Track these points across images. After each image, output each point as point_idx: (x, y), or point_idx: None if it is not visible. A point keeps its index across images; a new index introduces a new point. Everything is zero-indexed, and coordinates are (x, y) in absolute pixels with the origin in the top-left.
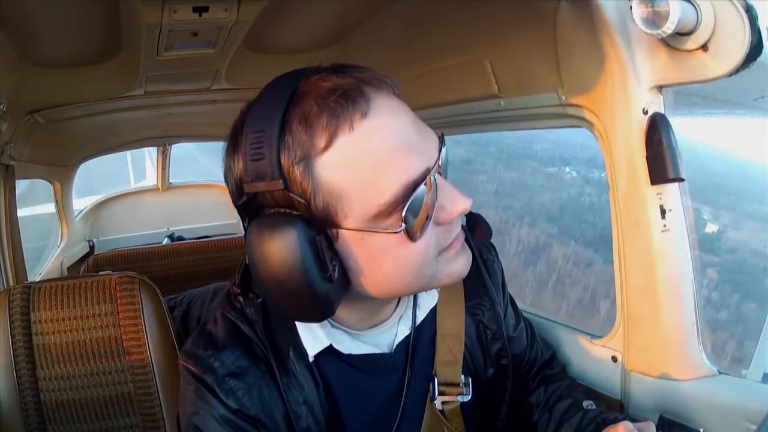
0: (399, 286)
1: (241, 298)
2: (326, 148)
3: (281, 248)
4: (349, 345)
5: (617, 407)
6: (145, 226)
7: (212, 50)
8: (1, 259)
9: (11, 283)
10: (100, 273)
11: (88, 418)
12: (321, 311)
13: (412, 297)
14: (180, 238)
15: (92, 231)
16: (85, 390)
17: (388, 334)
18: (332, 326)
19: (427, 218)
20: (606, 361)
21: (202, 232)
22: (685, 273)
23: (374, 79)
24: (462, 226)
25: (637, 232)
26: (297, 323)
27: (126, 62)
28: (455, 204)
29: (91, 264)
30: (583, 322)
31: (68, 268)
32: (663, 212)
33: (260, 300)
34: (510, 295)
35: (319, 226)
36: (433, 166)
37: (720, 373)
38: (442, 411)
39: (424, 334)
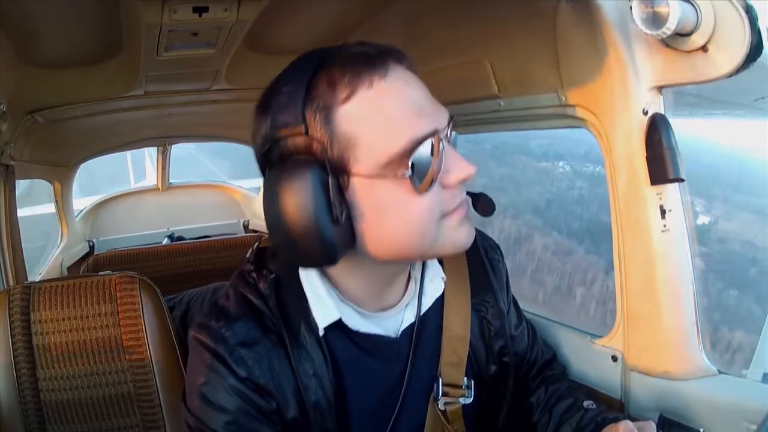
0: (401, 245)
1: (254, 274)
2: (346, 100)
3: (295, 188)
4: (358, 322)
5: (617, 407)
6: (145, 226)
7: (212, 50)
8: (1, 259)
9: (11, 283)
10: (100, 273)
11: (88, 418)
12: (325, 254)
13: (418, 285)
14: (180, 238)
15: (92, 231)
16: (85, 390)
17: (395, 320)
18: (342, 302)
19: (432, 177)
20: (606, 360)
21: (202, 232)
22: (685, 273)
23: (395, 51)
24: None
25: (637, 232)
26: (308, 295)
27: (126, 62)
28: (460, 169)
29: (91, 264)
30: (559, 307)
31: (68, 268)
32: (663, 212)
33: (273, 276)
34: (513, 296)
35: (333, 172)
36: (442, 131)
37: (720, 372)
38: (444, 412)
39: (429, 324)
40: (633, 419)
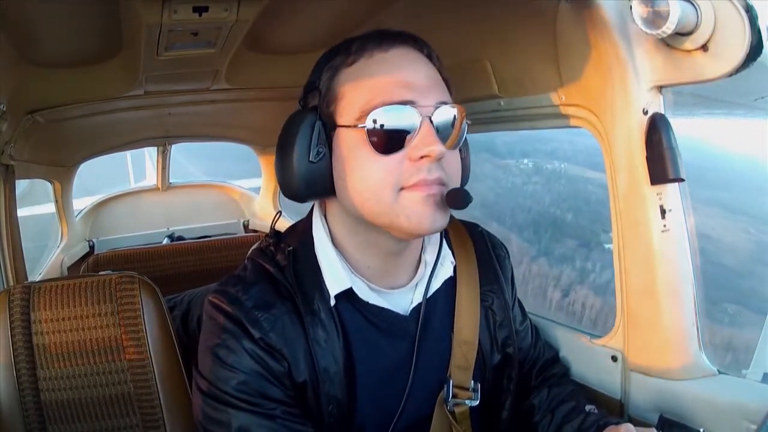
0: (360, 201)
1: (272, 248)
2: (349, 64)
3: (289, 128)
4: (368, 293)
5: (617, 407)
6: (145, 226)
7: (212, 50)
8: (1, 259)
9: (11, 283)
10: (100, 273)
11: (88, 418)
12: (296, 187)
13: (429, 269)
14: (180, 238)
15: (92, 231)
16: (85, 390)
17: (405, 298)
18: (354, 274)
19: (396, 142)
20: (606, 361)
21: (202, 232)
22: (685, 273)
23: (407, 34)
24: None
25: (637, 232)
26: (322, 266)
27: (126, 62)
28: (423, 145)
29: (91, 264)
30: None
31: (68, 268)
32: (663, 212)
33: (291, 248)
34: (517, 297)
35: (323, 119)
36: (424, 107)
37: (720, 372)
38: (452, 413)
39: (437, 308)
40: (633, 420)
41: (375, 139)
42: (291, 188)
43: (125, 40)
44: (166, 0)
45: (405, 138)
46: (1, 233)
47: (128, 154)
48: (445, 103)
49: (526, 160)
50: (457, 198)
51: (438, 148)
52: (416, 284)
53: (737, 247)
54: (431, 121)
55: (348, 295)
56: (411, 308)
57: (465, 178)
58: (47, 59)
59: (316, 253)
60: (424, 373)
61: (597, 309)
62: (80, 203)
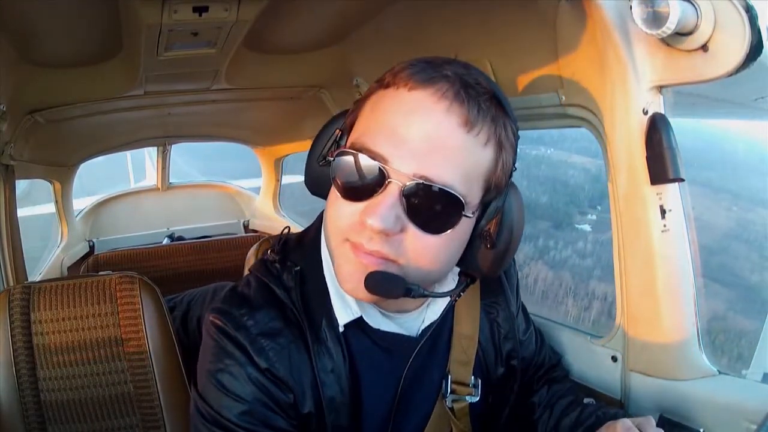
0: (326, 227)
1: (278, 265)
2: (384, 87)
3: (325, 127)
4: (379, 320)
5: (617, 407)
6: (145, 226)
7: (212, 50)
8: (1, 259)
9: (11, 283)
10: (100, 273)
11: (88, 418)
12: (309, 184)
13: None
14: (180, 238)
15: (92, 231)
16: (85, 390)
17: (416, 320)
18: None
19: (354, 193)
20: (606, 361)
21: (202, 232)
22: (685, 273)
23: (456, 79)
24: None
25: (637, 232)
26: (331, 291)
27: (126, 62)
28: (368, 214)
29: (91, 264)
30: None
31: (68, 268)
32: (663, 212)
33: (298, 268)
34: (522, 303)
35: (343, 132)
36: (393, 171)
37: (720, 373)
38: (452, 409)
39: (445, 324)
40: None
41: (336, 179)
42: (306, 180)
43: (125, 40)
44: (166, 0)
45: (363, 192)
46: (1, 233)
47: (128, 154)
48: (430, 182)
49: None
50: (374, 282)
51: (377, 224)
52: (428, 305)
53: (715, 225)
54: (402, 192)
55: (357, 321)
56: (421, 329)
57: (475, 265)
58: (47, 59)
59: (325, 275)
60: (428, 381)
61: (548, 282)
62: (80, 203)
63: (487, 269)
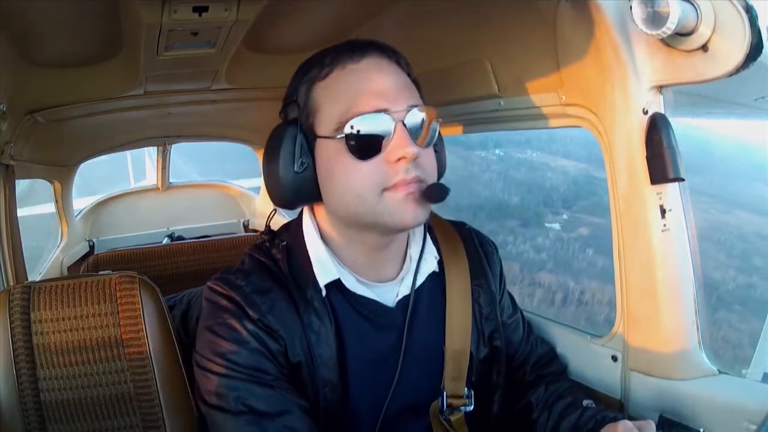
0: (346, 204)
1: (267, 244)
2: (324, 77)
3: (274, 142)
4: (356, 285)
5: (617, 407)
6: (145, 225)
7: (212, 50)
8: (1, 259)
9: (11, 283)
10: (100, 273)
11: (88, 418)
12: (284, 196)
13: (414, 263)
14: (180, 238)
15: (92, 231)
16: (85, 390)
17: (391, 291)
18: (342, 267)
19: (373, 148)
20: (606, 360)
21: (202, 232)
22: (685, 273)
23: (378, 44)
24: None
25: (637, 232)
26: (312, 260)
27: (126, 62)
28: (399, 148)
29: (91, 264)
30: None
31: (68, 268)
32: (663, 212)
33: (285, 243)
34: (509, 291)
35: (303, 132)
36: (396, 113)
37: (720, 372)
38: (449, 421)
39: (423, 301)
40: (633, 419)
41: (354, 146)
42: (280, 197)
43: (125, 40)
44: (166, 0)
45: (381, 143)
46: (1, 233)
47: (128, 154)
48: (415, 105)
49: (497, 150)
50: (434, 193)
51: (412, 149)
52: (402, 278)
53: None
54: (404, 125)
55: (338, 286)
56: (397, 300)
57: (441, 172)
58: (47, 59)
59: (307, 249)
60: (413, 362)
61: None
62: (80, 203)
63: (440, 174)
